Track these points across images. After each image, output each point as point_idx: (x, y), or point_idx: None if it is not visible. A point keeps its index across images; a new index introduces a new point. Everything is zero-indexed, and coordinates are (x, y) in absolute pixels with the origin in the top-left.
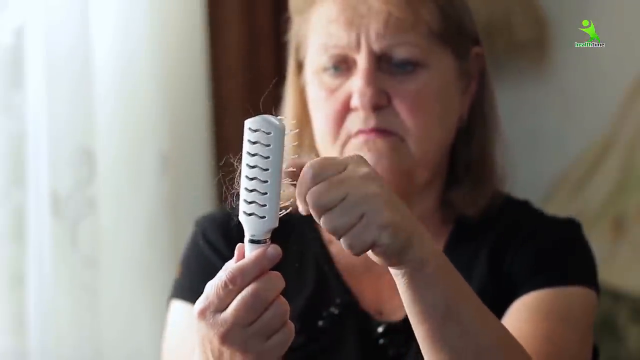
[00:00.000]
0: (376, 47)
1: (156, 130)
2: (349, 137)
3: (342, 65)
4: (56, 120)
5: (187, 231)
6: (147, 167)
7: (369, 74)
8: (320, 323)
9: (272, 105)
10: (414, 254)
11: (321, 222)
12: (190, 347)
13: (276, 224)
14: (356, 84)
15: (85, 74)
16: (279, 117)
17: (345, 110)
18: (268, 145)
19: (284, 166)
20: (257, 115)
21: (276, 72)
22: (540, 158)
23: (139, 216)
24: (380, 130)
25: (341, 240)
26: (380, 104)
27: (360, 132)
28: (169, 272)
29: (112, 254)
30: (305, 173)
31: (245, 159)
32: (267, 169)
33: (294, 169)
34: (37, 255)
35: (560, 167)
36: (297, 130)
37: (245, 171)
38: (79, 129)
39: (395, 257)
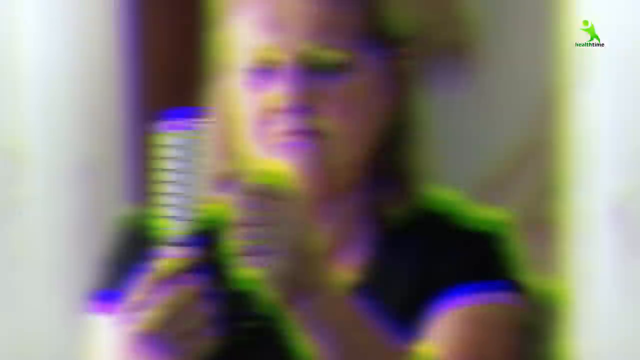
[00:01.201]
0: (301, 49)
1: (78, 135)
2: (274, 139)
3: (268, 67)
4: None
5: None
6: (69, 171)
7: (294, 76)
8: None
9: (199, 106)
10: (287, 307)
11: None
12: None
13: (195, 226)
14: (281, 86)
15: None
16: (190, 119)
17: (271, 112)
18: (180, 148)
19: (199, 167)
20: (170, 118)
21: (203, 73)
22: (465, 160)
23: (63, 219)
24: (306, 132)
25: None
26: (305, 106)
27: (285, 133)
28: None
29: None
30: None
31: (160, 163)
32: (181, 172)
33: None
34: None
35: (485, 169)
36: (209, 131)
37: (161, 175)
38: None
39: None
